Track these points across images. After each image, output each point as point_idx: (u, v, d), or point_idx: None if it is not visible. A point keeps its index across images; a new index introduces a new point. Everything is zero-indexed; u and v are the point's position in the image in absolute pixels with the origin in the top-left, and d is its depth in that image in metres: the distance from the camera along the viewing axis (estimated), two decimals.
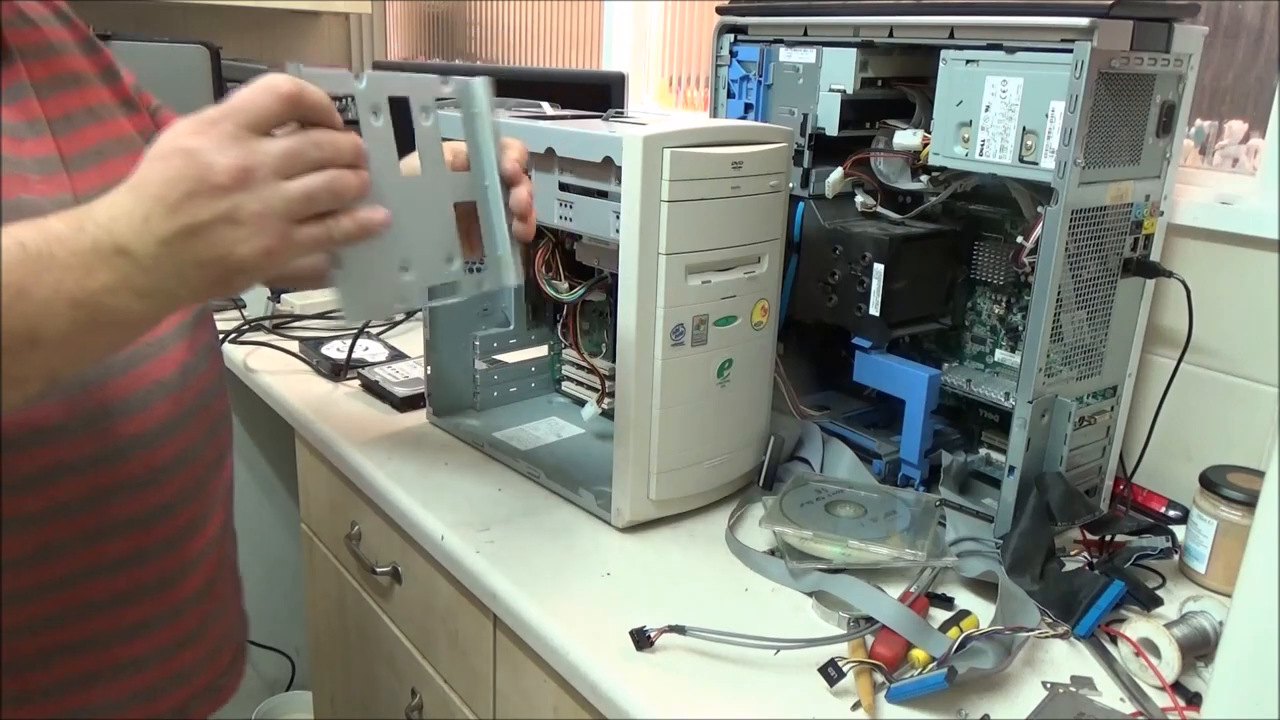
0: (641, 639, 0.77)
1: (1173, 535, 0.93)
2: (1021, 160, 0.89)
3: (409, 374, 1.29)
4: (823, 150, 1.09)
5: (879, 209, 1.08)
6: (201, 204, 0.53)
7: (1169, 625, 0.79)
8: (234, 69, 1.99)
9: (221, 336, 1.43)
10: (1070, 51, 0.83)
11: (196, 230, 0.53)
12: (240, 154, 0.53)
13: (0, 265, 0.51)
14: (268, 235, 0.54)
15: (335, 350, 1.36)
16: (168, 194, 0.53)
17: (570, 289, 1.08)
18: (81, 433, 0.67)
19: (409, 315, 1.56)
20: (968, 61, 0.92)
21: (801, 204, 1.09)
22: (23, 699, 0.68)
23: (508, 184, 0.75)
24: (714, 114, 1.20)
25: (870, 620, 0.79)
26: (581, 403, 1.16)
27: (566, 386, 1.23)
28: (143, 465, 0.71)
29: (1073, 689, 0.76)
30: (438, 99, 0.70)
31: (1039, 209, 0.91)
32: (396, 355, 1.39)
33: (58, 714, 0.70)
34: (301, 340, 1.42)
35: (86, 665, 0.71)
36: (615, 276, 0.92)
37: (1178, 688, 0.77)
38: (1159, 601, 0.86)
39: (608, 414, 1.06)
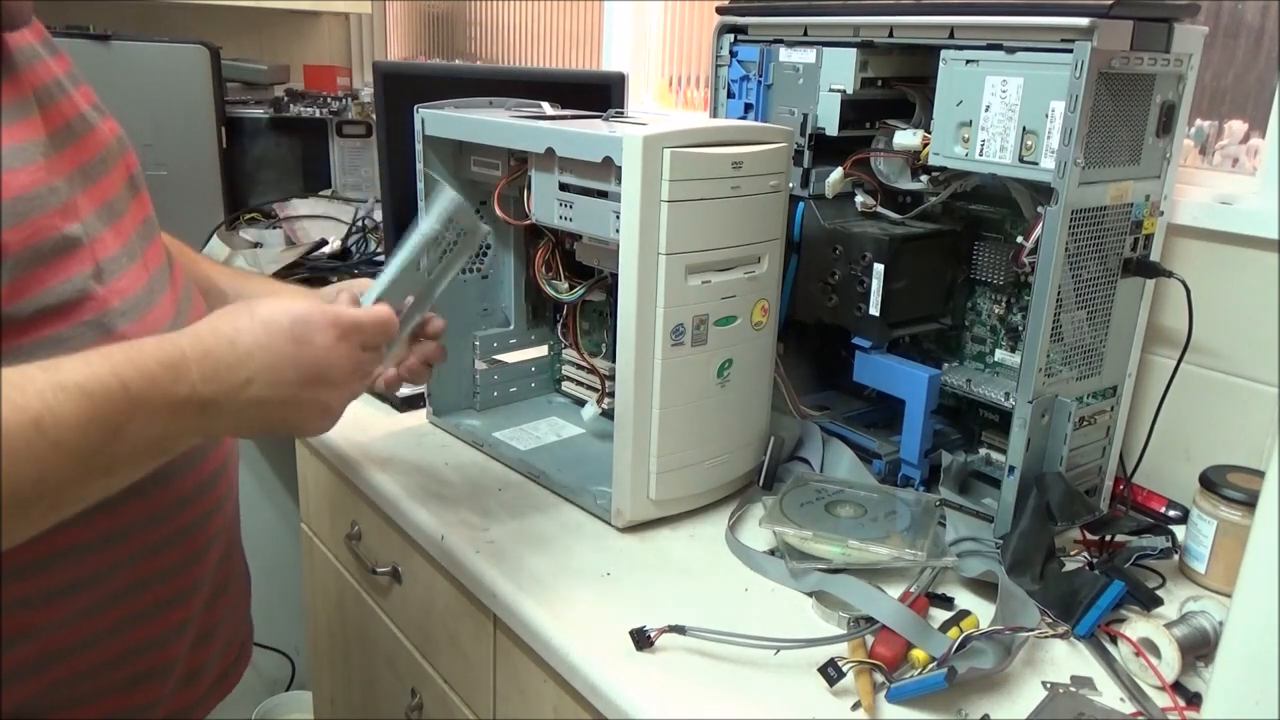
0: (641, 639, 0.77)
1: (1173, 535, 0.93)
2: (1021, 160, 0.89)
3: None
4: (823, 150, 1.09)
5: (879, 209, 1.08)
6: (309, 390, 0.63)
7: (1169, 625, 0.79)
8: (234, 69, 1.99)
9: None
10: (1070, 51, 0.83)
11: (291, 404, 0.63)
12: (354, 362, 0.66)
13: (101, 403, 0.54)
14: (337, 417, 0.68)
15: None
16: (280, 372, 0.61)
17: (570, 289, 1.08)
18: (134, 497, 0.67)
19: None
20: (968, 61, 0.92)
21: (801, 204, 1.09)
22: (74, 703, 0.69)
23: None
24: (714, 114, 1.20)
25: (870, 620, 0.79)
26: (581, 403, 1.16)
27: (566, 386, 1.23)
28: (197, 510, 0.73)
29: (1073, 689, 0.76)
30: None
31: (1039, 209, 0.91)
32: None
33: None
34: None
35: (140, 666, 0.72)
36: (615, 276, 0.92)
37: (1178, 688, 0.77)
38: (1159, 601, 0.86)
39: (608, 414, 1.07)
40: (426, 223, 0.83)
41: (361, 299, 0.74)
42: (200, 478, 0.73)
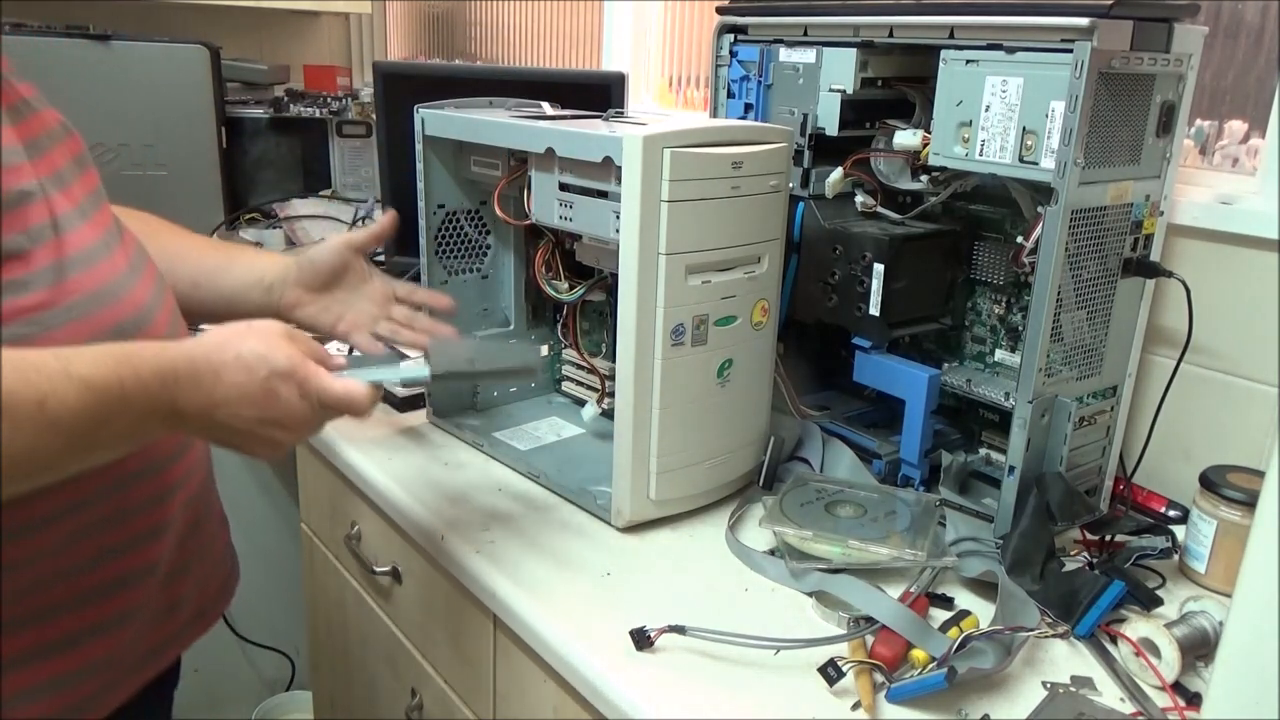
0: (641, 639, 0.77)
1: (1173, 535, 0.93)
2: (1021, 160, 0.89)
3: None
4: (823, 150, 1.09)
5: (879, 209, 1.08)
6: (263, 429, 0.70)
7: (1169, 625, 0.79)
8: (234, 69, 1.99)
9: None
10: (1070, 51, 0.83)
11: (245, 434, 0.70)
12: (312, 421, 0.73)
13: (100, 396, 0.61)
14: (284, 452, 0.75)
15: (335, 350, 1.36)
16: (244, 409, 0.69)
17: (570, 289, 1.08)
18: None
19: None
20: (968, 61, 0.92)
21: (801, 204, 1.09)
22: (51, 650, 0.73)
23: None
24: (714, 114, 1.20)
25: (870, 620, 0.79)
26: (581, 403, 1.16)
27: (566, 386, 1.23)
28: (159, 451, 0.79)
29: (1073, 689, 0.76)
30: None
31: (1039, 209, 0.91)
32: (397, 355, 1.39)
33: (83, 663, 0.75)
34: None
35: (108, 610, 0.76)
36: (615, 276, 0.92)
37: (1178, 688, 0.77)
38: (1159, 601, 0.86)
39: (608, 414, 1.07)
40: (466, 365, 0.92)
41: (352, 371, 0.78)
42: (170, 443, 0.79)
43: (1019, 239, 0.97)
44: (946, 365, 1.10)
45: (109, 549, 0.75)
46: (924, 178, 1.03)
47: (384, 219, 1.02)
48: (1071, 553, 0.94)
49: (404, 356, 0.80)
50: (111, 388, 0.62)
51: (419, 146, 1.09)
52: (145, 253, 0.82)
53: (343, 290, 1.00)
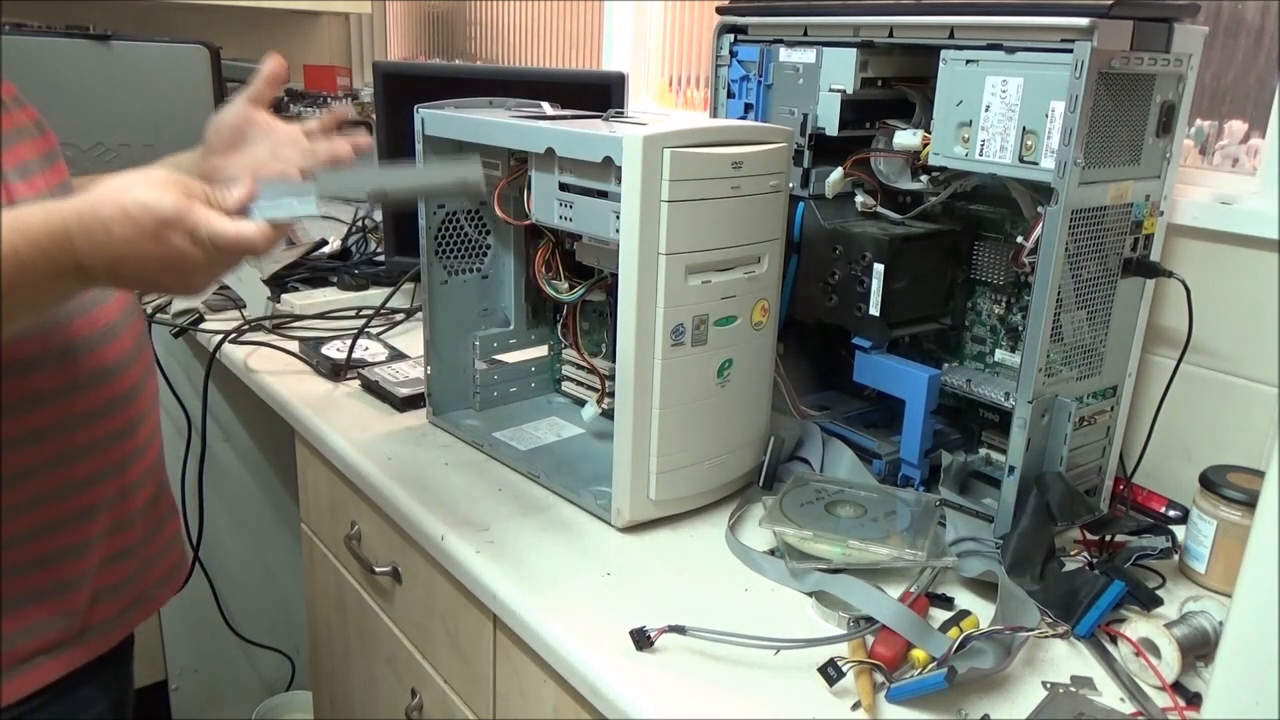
0: (641, 639, 0.77)
1: (1173, 535, 0.93)
2: (1021, 160, 0.89)
3: (409, 374, 1.29)
4: (823, 150, 1.09)
5: (879, 209, 1.08)
6: (168, 275, 0.69)
7: (1169, 625, 0.79)
8: (234, 69, 1.99)
9: (221, 337, 1.43)
10: (1070, 51, 0.83)
11: (153, 283, 0.71)
12: (209, 263, 0.70)
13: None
14: (204, 289, 0.74)
15: (335, 350, 1.36)
16: (143, 260, 0.67)
17: (570, 289, 1.08)
18: (52, 365, 0.79)
19: (409, 315, 1.56)
20: (968, 61, 0.92)
21: (801, 204, 1.09)
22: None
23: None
24: (714, 114, 1.20)
25: (870, 620, 0.79)
26: (581, 403, 1.16)
27: (566, 386, 1.23)
28: (102, 397, 0.83)
29: (1073, 689, 0.76)
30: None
31: (1039, 209, 0.91)
32: (396, 355, 1.39)
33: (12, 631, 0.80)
34: (301, 340, 1.42)
35: (44, 580, 0.80)
36: (615, 276, 0.92)
37: (1178, 688, 0.77)
38: (1159, 601, 0.86)
39: (608, 414, 1.06)
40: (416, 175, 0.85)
41: (256, 206, 0.74)
42: (115, 392, 0.84)
43: (1019, 239, 0.97)
44: (946, 365, 1.10)
45: (49, 524, 0.80)
46: (924, 178, 1.03)
47: (266, 65, 0.97)
48: (1071, 553, 0.94)
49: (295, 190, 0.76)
50: (7, 257, 0.63)
51: (419, 146, 1.09)
52: None
53: (251, 145, 0.97)
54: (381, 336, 1.48)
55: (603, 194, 0.93)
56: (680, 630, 0.78)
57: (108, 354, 0.84)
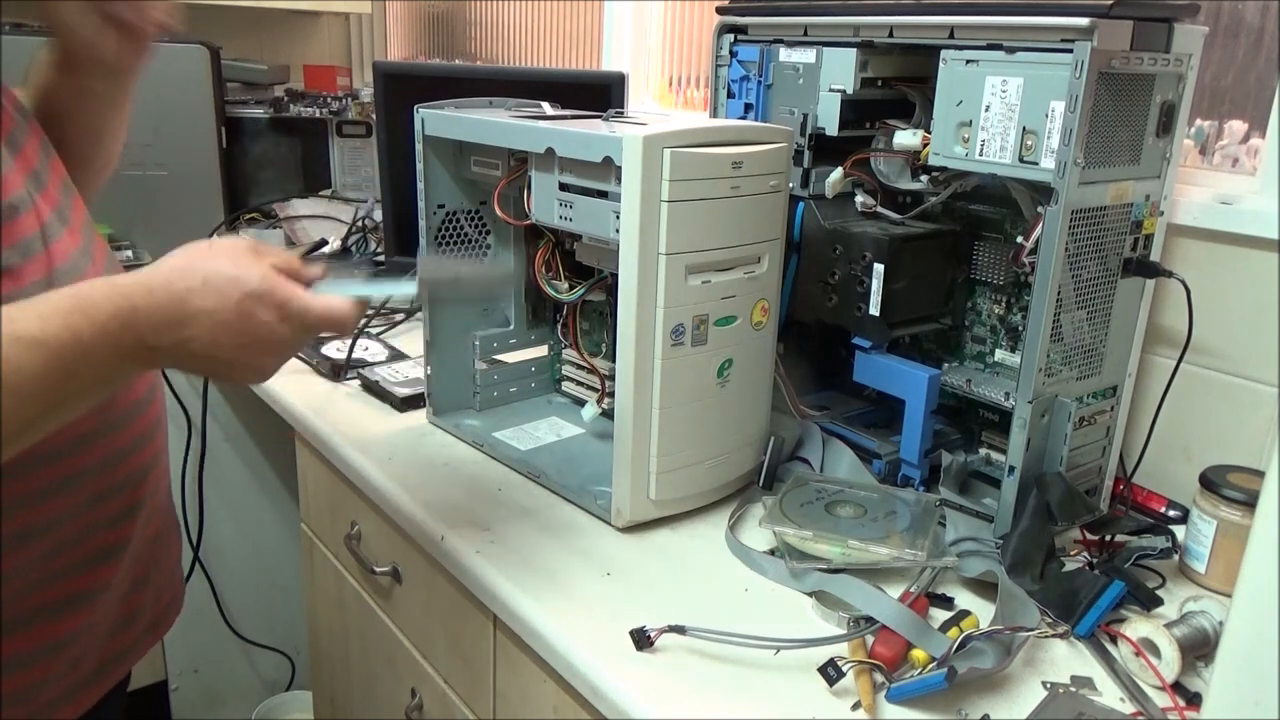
0: (641, 639, 0.77)
1: (1173, 535, 0.93)
2: (1021, 160, 0.89)
3: (409, 374, 1.29)
4: (823, 150, 1.09)
5: (879, 209, 1.08)
6: (244, 355, 0.66)
7: (1169, 625, 0.79)
8: (234, 69, 1.99)
9: None
10: (1070, 51, 0.83)
11: (225, 363, 0.66)
12: (292, 341, 0.68)
13: (56, 353, 0.59)
14: (270, 375, 0.70)
15: (335, 350, 1.36)
16: (220, 336, 0.64)
17: (570, 289, 1.08)
18: (85, 448, 0.74)
19: (409, 315, 1.56)
20: (968, 61, 0.92)
21: (801, 204, 1.09)
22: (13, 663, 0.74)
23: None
24: (714, 114, 1.20)
25: (870, 620, 0.79)
26: (581, 403, 1.16)
27: (566, 386, 1.23)
28: (130, 467, 0.80)
29: (1073, 689, 0.76)
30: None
31: (1039, 209, 0.91)
32: (396, 355, 1.39)
33: (46, 674, 0.76)
34: None
35: (70, 626, 0.77)
36: (615, 276, 0.92)
37: (1178, 688, 0.77)
38: (1159, 601, 0.86)
39: (608, 414, 1.07)
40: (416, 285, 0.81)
41: (324, 285, 0.72)
42: (139, 430, 0.80)
43: (1019, 239, 0.97)
44: (946, 365, 1.10)
45: (70, 566, 0.75)
46: (924, 178, 1.03)
47: None
48: (1071, 553, 0.94)
49: (380, 274, 0.71)
50: (66, 343, 0.59)
51: (419, 146, 1.09)
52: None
53: None
54: (381, 336, 1.48)
55: (603, 194, 0.93)
56: (680, 630, 0.78)
57: (132, 431, 0.79)
